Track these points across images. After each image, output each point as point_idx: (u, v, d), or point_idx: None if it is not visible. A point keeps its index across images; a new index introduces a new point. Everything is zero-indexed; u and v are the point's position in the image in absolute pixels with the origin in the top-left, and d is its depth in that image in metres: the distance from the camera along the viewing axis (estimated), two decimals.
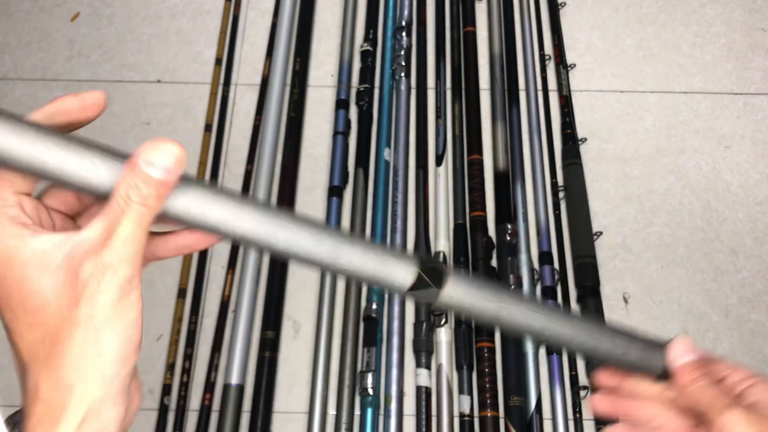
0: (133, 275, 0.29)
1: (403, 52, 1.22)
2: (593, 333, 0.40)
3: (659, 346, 0.42)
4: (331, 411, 0.97)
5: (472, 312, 0.38)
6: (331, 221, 1.08)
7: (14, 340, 0.29)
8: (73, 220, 0.34)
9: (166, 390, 0.98)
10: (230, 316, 1.03)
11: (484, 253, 1.04)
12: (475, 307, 0.37)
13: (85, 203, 0.34)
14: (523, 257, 1.05)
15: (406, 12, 1.27)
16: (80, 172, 0.29)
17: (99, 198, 0.30)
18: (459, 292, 0.37)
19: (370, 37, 1.25)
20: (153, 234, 0.33)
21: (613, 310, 1.05)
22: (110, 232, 0.29)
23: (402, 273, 0.35)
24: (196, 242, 0.34)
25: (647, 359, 0.41)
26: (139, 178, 0.29)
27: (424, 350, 0.98)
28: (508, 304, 0.38)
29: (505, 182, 1.11)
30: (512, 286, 1.01)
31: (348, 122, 1.17)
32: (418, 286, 0.36)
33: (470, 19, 1.28)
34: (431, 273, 0.36)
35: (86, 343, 0.28)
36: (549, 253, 1.06)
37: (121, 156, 0.31)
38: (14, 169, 0.29)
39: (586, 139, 1.17)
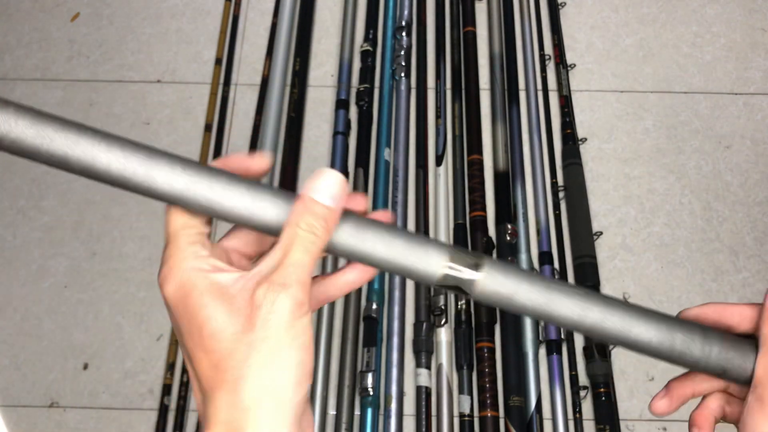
0: (303, 300, 0.30)
1: (403, 52, 1.22)
2: (663, 326, 0.36)
3: (748, 344, 0.37)
4: (331, 411, 0.97)
5: (515, 304, 0.35)
6: None
7: (194, 366, 0.31)
8: (252, 261, 0.36)
9: (166, 390, 0.98)
10: None
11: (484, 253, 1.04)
12: (518, 297, 0.35)
13: (265, 244, 0.36)
14: (523, 257, 1.05)
15: (406, 12, 1.27)
16: (256, 212, 0.33)
17: (276, 235, 0.33)
18: (498, 281, 0.35)
19: (370, 37, 1.25)
20: (323, 275, 0.36)
21: None
22: (282, 259, 0.31)
23: (433, 262, 0.34)
24: (360, 277, 0.36)
25: (736, 360, 0.36)
26: (307, 208, 0.31)
27: (424, 350, 0.98)
28: (558, 294, 0.35)
29: (505, 182, 1.11)
30: None
31: (348, 122, 1.17)
32: (449, 278, 0.34)
33: (470, 19, 1.28)
34: (464, 260, 0.34)
35: (261, 366, 0.29)
36: (549, 253, 1.06)
37: (292, 194, 0.33)
38: (197, 210, 0.34)
39: (586, 139, 1.17)
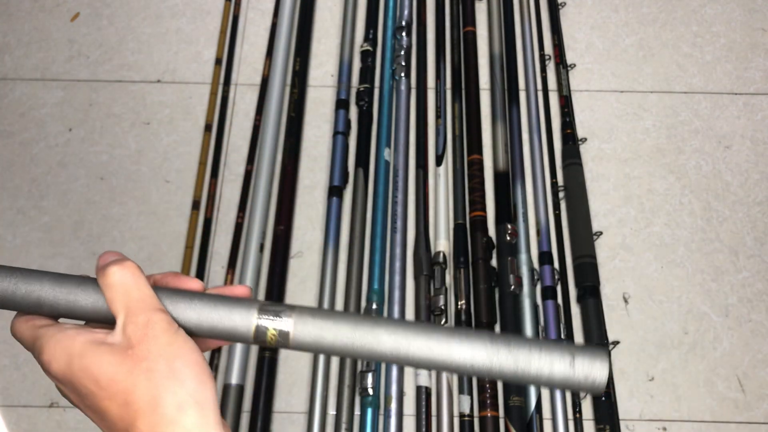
0: (168, 317, 0.35)
1: (403, 52, 1.22)
2: (499, 347, 0.35)
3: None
4: (331, 411, 0.97)
5: (330, 345, 0.36)
6: (331, 221, 1.08)
7: (107, 419, 0.34)
8: None
9: None
10: None
11: (484, 253, 1.04)
12: (336, 345, 0.35)
13: None
14: (523, 257, 1.05)
15: (406, 12, 1.27)
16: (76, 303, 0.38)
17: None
18: (311, 330, 0.35)
19: (370, 37, 1.25)
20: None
21: (613, 310, 1.05)
22: (128, 303, 0.35)
23: (242, 319, 0.35)
24: None
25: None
26: (105, 277, 0.37)
27: None
28: (372, 328, 0.36)
29: (505, 182, 1.11)
30: (512, 287, 1.01)
31: (348, 122, 1.18)
32: (260, 330, 0.35)
33: (470, 19, 1.28)
34: (272, 311, 0.35)
35: (167, 381, 0.33)
36: (549, 253, 1.06)
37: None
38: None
39: (586, 139, 1.17)
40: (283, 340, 0.35)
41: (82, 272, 1.17)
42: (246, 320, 0.35)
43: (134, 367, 0.33)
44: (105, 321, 0.36)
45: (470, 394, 0.96)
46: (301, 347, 0.36)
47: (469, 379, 0.97)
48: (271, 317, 0.35)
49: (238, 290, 0.38)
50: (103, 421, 0.35)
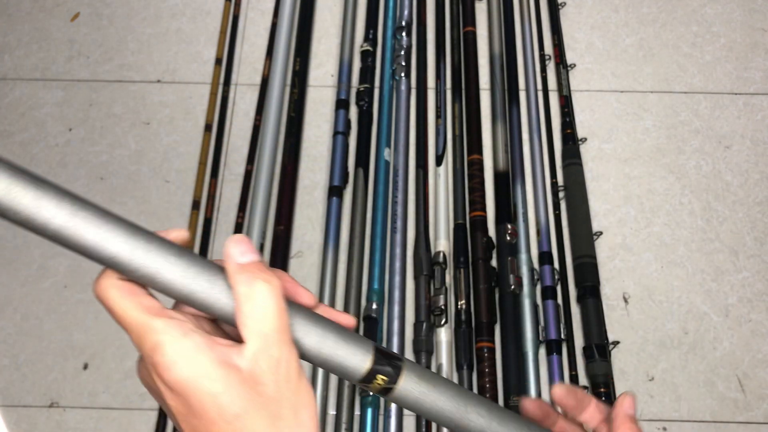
0: (296, 358, 0.32)
1: (403, 52, 1.22)
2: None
3: None
4: (331, 411, 0.97)
5: (427, 413, 0.36)
6: (331, 221, 1.08)
7: None
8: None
9: None
10: None
11: (484, 253, 1.04)
12: (432, 410, 0.35)
13: None
14: (523, 257, 1.05)
15: (406, 12, 1.27)
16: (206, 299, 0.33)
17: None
18: (415, 388, 0.35)
19: (370, 37, 1.25)
20: None
21: (613, 310, 1.05)
22: (262, 331, 0.31)
23: (358, 361, 0.34)
24: None
25: None
26: (246, 284, 0.31)
27: (424, 350, 0.98)
28: (468, 403, 0.36)
29: (505, 182, 1.11)
30: (512, 287, 1.01)
31: (348, 122, 1.18)
32: (372, 376, 0.34)
33: (470, 19, 1.28)
34: (387, 361, 0.35)
35: (289, 428, 0.31)
36: (549, 253, 1.06)
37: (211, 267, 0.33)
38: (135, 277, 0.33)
39: (586, 139, 1.17)
40: (386, 391, 0.35)
41: (82, 272, 1.17)
42: (361, 362, 0.34)
43: (263, 408, 0.30)
44: (224, 320, 0.33)
45: None
46: (397, 402, 0.35)
47: (469, 379, 0.97)
48: (385, 366, 0.34)
49: (346, 320, 0.36)
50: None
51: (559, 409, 0.45)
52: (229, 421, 0.30)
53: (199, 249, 1.08)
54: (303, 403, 0.32)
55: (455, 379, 0.98)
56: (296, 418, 0.31)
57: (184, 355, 0.30)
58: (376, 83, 1.22)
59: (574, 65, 1.26)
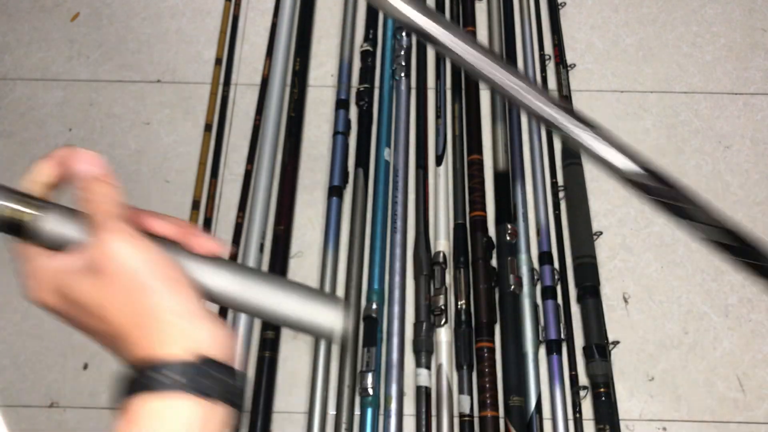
0: (119, 229, 0.36)
1: (403, 52, 1.22)
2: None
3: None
4: (331, 411, 0.97)
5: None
6: (331, 221, 1.08)
7: (100, 338, 0.37)
8: None
9: None
10: (230, 315, 1.03)
11: (484, 253, 1.04)
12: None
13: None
14: (523, 257, 1.04)
15: None
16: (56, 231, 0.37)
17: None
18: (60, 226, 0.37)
19: (370, 37, 1.25)
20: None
21: (613, 310, 1.05)
22: (91, 226, 0.36)
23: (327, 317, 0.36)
24: None
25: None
26: (87, 185, 0.37)
27: (424, 350, 0.98)
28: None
29: (505, 182, 1.11)
30: (512, 287, 1.01)
31: (348, 122, 1.17)
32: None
33: (470, 19, 1.28)
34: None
35: (135, 292, 0.34)
36: (549, 253, 1.06)
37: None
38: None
39: None
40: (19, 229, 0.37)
41: None
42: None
43: (108, 286, 0.34)
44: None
45: (470, 394, 0.96)
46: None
47: (469, 379, 0.97)
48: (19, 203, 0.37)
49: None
50: (98, 337, 0.37)
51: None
52: (93, 312, 0.35)
53: None
54: (142, 270, 0.34)
55: (455, 379, 0.98)
56: (142, 285, 0.34)
57: (45, 279, 0.36)
58: (376, 83, 1.22)
59: (574, 65, 1.25)
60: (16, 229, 0.36)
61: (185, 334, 0.33)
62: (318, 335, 0.39)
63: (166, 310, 0.33)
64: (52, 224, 0.37)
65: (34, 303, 0.37)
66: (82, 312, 0.35)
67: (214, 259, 0.38)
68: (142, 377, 0.32)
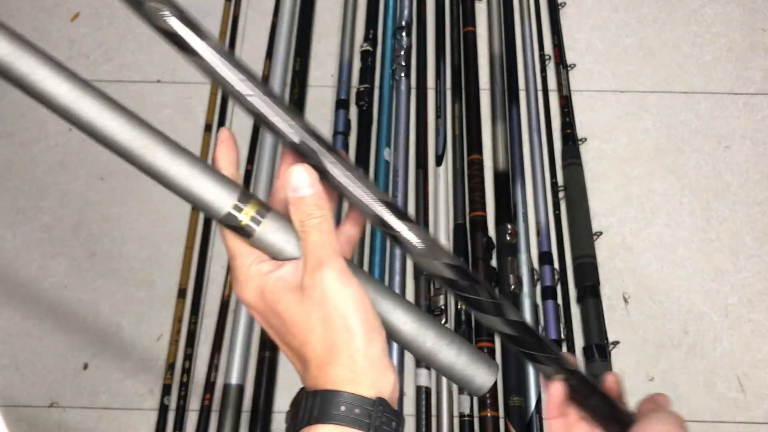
0: (342, 267, 0.37)
1: (403, 52, 1.22)
2: (422, 322, 0.40)
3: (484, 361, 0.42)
4: None
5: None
6: None
7: (288, 347, 0.38)
8: None
9: (166, 390, 0.98)
10: (230, 316, 1.03)
11: (484, 253, 1.04)
12: (286, 254, 0.38)
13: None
14: (523, 257, 1.04)
15: (406, 12, 1.27)
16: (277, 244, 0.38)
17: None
18: (274, 236, 0.38)
19: (370, 37, 1.25)
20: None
21: (613, 310, 1.05)
22: (306, 247, 0.37)
23: (222, 199, 0.36)
24: (355, 230, 0.43)
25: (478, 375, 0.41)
26: (296, 205, 0.37)
27: None
28: None
29: (505, 182, 1.11)
30: (512, 287, 1.01)
31: (348, 122, 1.17)
32: (231, 218, 0.37)
33: (470, 19, 1.27)
34: (251, 205, 0.37)
35: (336, 329, 0.36)
36: (549, 253, 1.06)
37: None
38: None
39: (586, 139, 1.17)
40: (246, 235, 0.37)
41: (82, 272, 1.16)
42: (222, 203, 0.37)
43: (312, 313, 0.36)
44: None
45: (470, 394, 0.96)
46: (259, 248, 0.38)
47: None
48: (245, 210, 0.37)
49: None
50: (287, 349, 0.39)
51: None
52: (290, 325, 0.37)
53: (199, 249, 1.08)
54: (348, 309, 0.36)
55: None
56: (344, 323, 0.36)
57: (253, 279, 0.38)
58: (376, 83, 1.22)
59: (574, 65, 1.25)
60: (237, 228, 0.37)
61: (373, 378, 0.36)
62: (466, 388, 0.42)
63: (361, 354, 0.36)
64: (271, 235, 0.37)
65: (237, 296, 0.39)
66: (278, 322, 0.37)
67: (402, 304, 0.40)
68: (328, 407, 0.35)
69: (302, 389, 0.38)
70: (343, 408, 0.35)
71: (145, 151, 0.35)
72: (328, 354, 0.36)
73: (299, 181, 0.37)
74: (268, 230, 0.37)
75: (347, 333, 0.36)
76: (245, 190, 0.37)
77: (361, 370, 0.35)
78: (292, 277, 0.37)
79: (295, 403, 0.37)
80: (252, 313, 0.39)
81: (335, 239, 0.37)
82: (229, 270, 0.39)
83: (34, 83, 0.33)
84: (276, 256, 0.38)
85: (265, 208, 0.37)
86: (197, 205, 0.37)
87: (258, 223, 0.37)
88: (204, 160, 0.37)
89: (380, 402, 0.35)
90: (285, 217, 0.38)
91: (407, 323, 0.40)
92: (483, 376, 0.42)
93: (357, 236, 0.44)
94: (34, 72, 0.33)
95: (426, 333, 0.40)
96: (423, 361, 0.41)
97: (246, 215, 0.37)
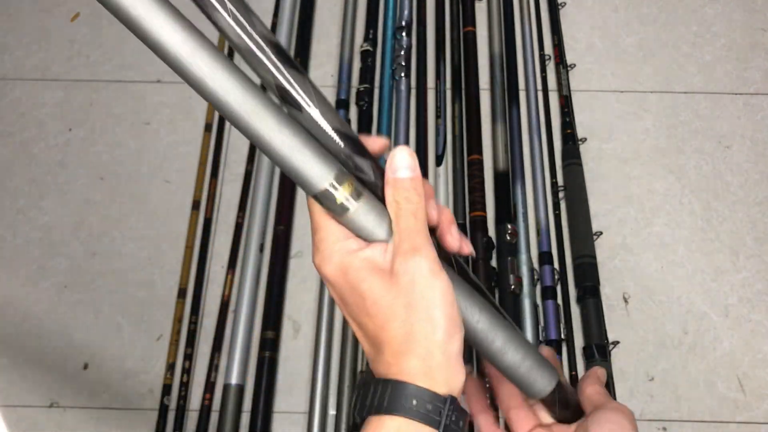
0: (433, 256, 0.36)
1: (403, 52, 1.22)
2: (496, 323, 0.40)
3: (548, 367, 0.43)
4: (331, 411, 0.97)
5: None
6: None
7: (362, 330, 0.37)
8: None
9: (166, 390, 0.98)
10: (230, 316, 1.03)
11: (484, 253, 1.04)
12: (376, 236, 0.37)
13: None
14: (523, 257, 1.04)
15: (406, 12, 1.27)
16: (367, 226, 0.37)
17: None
18: (368, 218, 0.37)
19: (370, 37, 1.25)
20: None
21: (613, 310, 1.05)
22: (400, 231, 0.36)
23: (320, 174, 0.36)
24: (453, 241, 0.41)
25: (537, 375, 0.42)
26: (395, 187, 0.37)
27: None
28: None
29: (505, 182, 1.11)
30: (512, 287, 1.01)
31: (348, 122, 1.17)
32: (328, 194, 0.36)
33: (470, 19, 1.27)
34: (348, 184, 0.36)
35: (417, 322, 0.35)
36: (549, 253, 1.06)
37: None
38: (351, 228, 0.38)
39: (586, 139, 1.17)
40: (338, 213, 0.37)
41: (82, 272, 1.16)
42: (320, 178, 0.36)
43: (397, 298, 0.35)
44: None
45: None
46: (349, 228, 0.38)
47: None
48: (340, 189, 0.36)
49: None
50: (359, 329, 0.37)
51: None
52: (371, 306, 0.36)
53: (199, 249, 1.08)
54: (435, 301, 0.35)
55: None
56: (428, 313, 0.35)
57: (339, 254, 0.37)
58: (376, 83, 1.22)
59: (574, 65, 1.26)
60: (330, 206, 0.36)
61: (448, 374, 0.35)
62: (525, 391, 0.43)
63: (440, 349, 0.35)
64: (364, 216, 0.37)
65: (316, 268, 0.38)
66: (357, 300, 0.36)
67: (478, 301, 0.40)
68: (400, 399, 0.34)
69: (368, 372, 0.38)
70: (414, 402, 0.34)
71: (253, 116, 0.34)
72: (406, 342, 0.35)
73: (401, 163, 0.38)
74: (362, 211, 0.37)
75: (430, 324, 0.35)
76: (343, 168, 0.37)
77: (436, 365, 0.35)
78: (380, 259, 0.36)
79: (363, 387, 0.36)
80: (328, 287, 0.38)
81: (428, 228, 0.37)
82: (312, 241, 0.39)
83: (148, 30, 0.32)
84: (365, 237, 0.37)
85: (359, 189, 0.37)
86: (294, 178, 0.36)
87: (352, 203, 0.36)
88: (308, 132, 0.36)
89: (452, 400, 0.35)
90: (378, 201, 0.38)
91: (481, 321, 0.39)
92: (543, 381, 0.43)
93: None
94: (151, 18, 0.32)
95: (496, 333, 0.40)
96: (488, 360, 0.41)
97: (342, 194, 0.36)
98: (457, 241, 0.40)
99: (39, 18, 1.33)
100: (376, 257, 0.36)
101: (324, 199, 0.36)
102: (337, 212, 0.36)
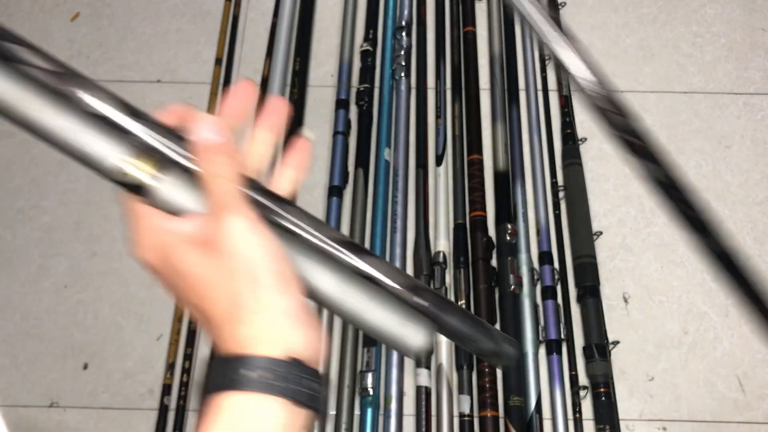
0: (247, 212, 0.34)
1: (403, 52, 1.22)
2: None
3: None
4: (331, 411, 0.97)
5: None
6: (331, 221, 1.08)
7: (198, 314, 0.35)
8: None
9: (166, 390, 0.98)
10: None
11: (484, 253, 1.04)
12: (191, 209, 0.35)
13: None
14: (523, 257, 1.04)
15: (406, 12, 1.27)
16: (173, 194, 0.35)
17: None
18: (176, 193, 0.35)
19: (370, 37, 1.25)
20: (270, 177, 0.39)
21: (613, 310, 1.05)
22: (211, 197, 0.34)
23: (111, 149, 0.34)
24: (296, 174, 0.42)
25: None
26: (202, 152, 0.34)
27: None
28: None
29: (505, 182, 1.11)
30: (512, 287, 1.01)
31: (348, 122, 1.17)
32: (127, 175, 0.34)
33: (470, 19, 1.27)
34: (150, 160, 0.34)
35: (244, 282, 0.33)
36: (549, 253, 1.06)
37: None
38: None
39: (586, 139, 1.17)
40: (146, 194, 0.35)
41: (82, 272, 1.16)
42: (111, 154, 0.34)
43: (220, 267, 0.33)
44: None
45: (470, 394, 0.96)
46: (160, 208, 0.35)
47: (469, 380, 0.97)
48: (141, 166, 0.34)
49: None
50: (196, 312, 0.35)
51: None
52: (193, 284, 0.34)
53: None
54: (257, 260, 0.33)
55: (455, 379, 0.98)
56: (252, 273, 0.33)
57: (153, 237, 0.35)
58: (376, 83, 1.22)
59: None
60: (133, 188, 0.34)
61: (283, 334, 0.33)
62: (401, 352, 0.39)
63: (269, 307, 0.33)
64: (171, 189, 0.34)
65: (136, 259, 0.36)
66: (181, 281, 0.34)
67: (325, 257, 0.36)
68: (233, 373, 0.32)
69: (213, 351, 0.35)
70: (251, 373, 0.31)
71: (26, 103, 0.32)
72: (234, 311, 0.32)
73: (204, 128, 0.34)
74: (170, 186, 0.34)
75: (254, 285, 0.32)
76: (141, 145, 0.34)
77: (268, 328, 0.32)
78: (196, 231, 0.34)
79: (206, 371, 0.34)
80: (154, 276, 0.36)
81: (241, 189, 0.34)
82: (129, 234, 0.36)
83: None
84: (181, 212, 0.35)
85: (163, 164, 0.34)
86: (84, 162, 0.34)
87: (157, 179, 0.34)
88: (91, 114, 0.35)
89: (295, 363, 0.32)
90: (189, 174, 0.35)
91: (325, 279, 0.36)
92: (416, 337, 0.37)
93: (299, 177, 0.42)
94: None
95: (349, 291, 0.36)
96: (350, 323, 0.37)
97: (141, 172, 0.34)
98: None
99: (39, 18, 1.33)
100: (191, 230, 0.34)
101: (122, 178, 0.34)
102: (144, 193, 0.34)
